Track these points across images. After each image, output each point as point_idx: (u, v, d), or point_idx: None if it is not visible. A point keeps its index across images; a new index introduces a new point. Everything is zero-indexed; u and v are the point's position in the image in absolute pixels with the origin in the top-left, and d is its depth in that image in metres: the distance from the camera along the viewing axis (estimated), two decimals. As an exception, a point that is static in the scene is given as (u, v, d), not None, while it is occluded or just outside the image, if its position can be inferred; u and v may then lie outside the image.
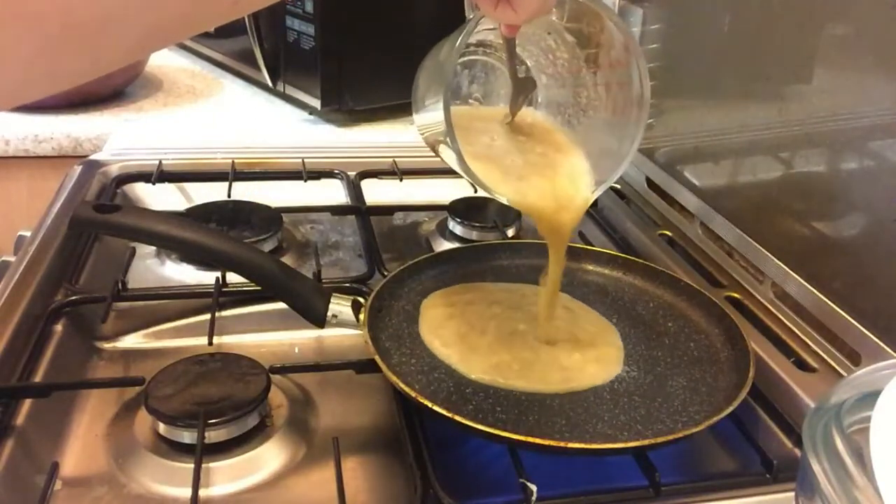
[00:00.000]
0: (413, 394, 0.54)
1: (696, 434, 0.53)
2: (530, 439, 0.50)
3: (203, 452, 0.53)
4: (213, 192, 0.91)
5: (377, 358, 0.57)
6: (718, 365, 0.63)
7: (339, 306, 0.62)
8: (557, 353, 0.63)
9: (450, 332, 0.64)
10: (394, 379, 0.56)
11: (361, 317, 0.62)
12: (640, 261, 0.76)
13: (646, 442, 0.53)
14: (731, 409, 0.54)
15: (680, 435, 0.52)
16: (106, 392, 0.62)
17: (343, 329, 0.63)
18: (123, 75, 1.18)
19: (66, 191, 0.88)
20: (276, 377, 0.61)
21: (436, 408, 0.52)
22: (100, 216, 0.59)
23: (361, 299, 0.64)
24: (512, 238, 0.86)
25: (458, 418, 0.52)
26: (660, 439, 0.52)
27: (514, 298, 0.70)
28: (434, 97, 0.54)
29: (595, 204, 0.94)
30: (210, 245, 0.60)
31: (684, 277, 0.76)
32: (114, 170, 0.95)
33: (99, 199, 0.88)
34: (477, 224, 0.87)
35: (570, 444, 0.51)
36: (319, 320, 0.62)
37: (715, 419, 0.53)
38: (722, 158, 0.83)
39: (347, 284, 0.75)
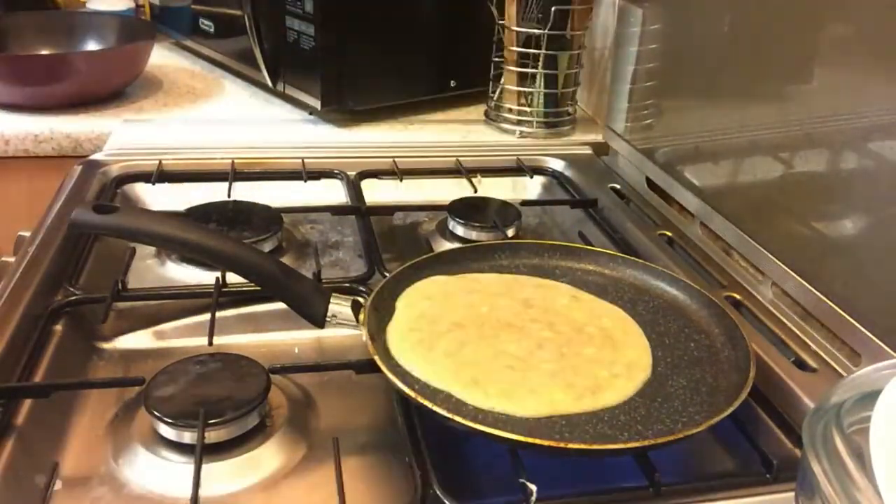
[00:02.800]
0: (412, 394, 0.54)
1: (696, 434, 0.52)
2: (530, 440, 0.50)
3: (203, 452, 0.53)
4: (213, 192, 0.91)
5: (377, 358, 0.57)
6: (719, 365, 0.62)
7: (339, 306, 0.62)
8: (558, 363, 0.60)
9: (411, 340, 0.62)
10: (393, 379, 0.56)
11: (361, 317, 0.62)
12: (640, 261, 0.76)
13: (646, 443, 0.52)
14: (731, 409, 0.54)
15: (680, 435, 0.52)
16: (106, 392, 0.62)
17: (343, 329, 0.63)
18: (123, 75, 1.18)
19: (66, 191, 0.88)
20: (275, 377, 0.61)
21: (435, 408, 0.52)
22: (98, 217, 0.59)
23: (361, 299, 0.64)
24: (512, 238, 0.86)
25: (457, 419, 0.52)
26: (660, 440, 0.52)
27: (503, 286, 0.69)
28: None
29: (595, 204, 0.95)
30: (210, 245, 0.60)
31: (684, 277, 0.76)
32: (114, 170, 0.95)
33: (99, 199, 0.88)
34: (477, 224, 0.87)
35: (570, 445, 0.51)
36: (319, 320, 0.62)
37: (715, 420, 0.53)
38: (722, 158, 0.83)
39: (347, 284, 0.75)
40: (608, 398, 0.57)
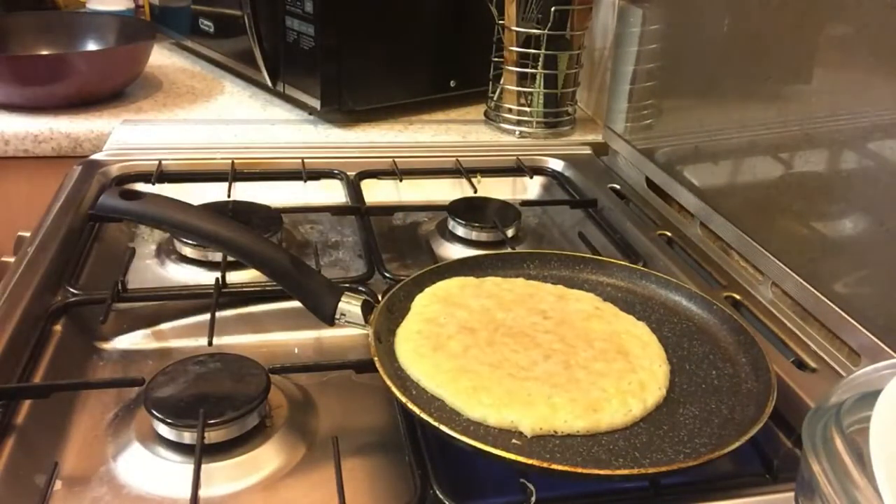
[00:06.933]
0: (404, 399, 0.53)
1: (694, 468, 0.50)
2: (514, 457, 0.49)
3: (203, 452, 0.53)
4: (213, 192, 0.91)
5: (376, 360, 0.57)
6: (738, 397, 0.58)
7: (349, 305, 0.61)
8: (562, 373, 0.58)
9: (417, 341, 0.61)
10: (388, 383, 0.55)
11: (371, 317, 0.61)
12: (674, 280, 0.72)
13: (635, 471, 0.50)
14: (737, 444, 0.51)
15: (675, 467, 0.50)
16: (106, 392, 0.62)
17: (343, 329, 0.63)
18: (123, 75, 1.18)
19: (65, 191, 0.88)
20: (275, 377, 0.61)
21: (423, 416, 0.51)
22: (124, 203, 0.59)
23: (371, 300, 0.64)
24: (511, 237, 0.86)
25: (443, 428, 0.50)
26: (651, 470, 0.51)
27: (525, 294, 0.68)
28: None
29: (595, 204, 0.95)
30: (227, 236, 0.60)
31: (684, 278, 0.76)
32: (114, 170, 0.95)
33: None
34: (477, 224, 0.87)
35: (554, 466, 0.49)
36: (328, 317, 0.62)
37: (718, 454, 0.50)
38: (722, 158, 0.83)
39: (347, 284, 0.75)
40: (609, 419, 0.55)
